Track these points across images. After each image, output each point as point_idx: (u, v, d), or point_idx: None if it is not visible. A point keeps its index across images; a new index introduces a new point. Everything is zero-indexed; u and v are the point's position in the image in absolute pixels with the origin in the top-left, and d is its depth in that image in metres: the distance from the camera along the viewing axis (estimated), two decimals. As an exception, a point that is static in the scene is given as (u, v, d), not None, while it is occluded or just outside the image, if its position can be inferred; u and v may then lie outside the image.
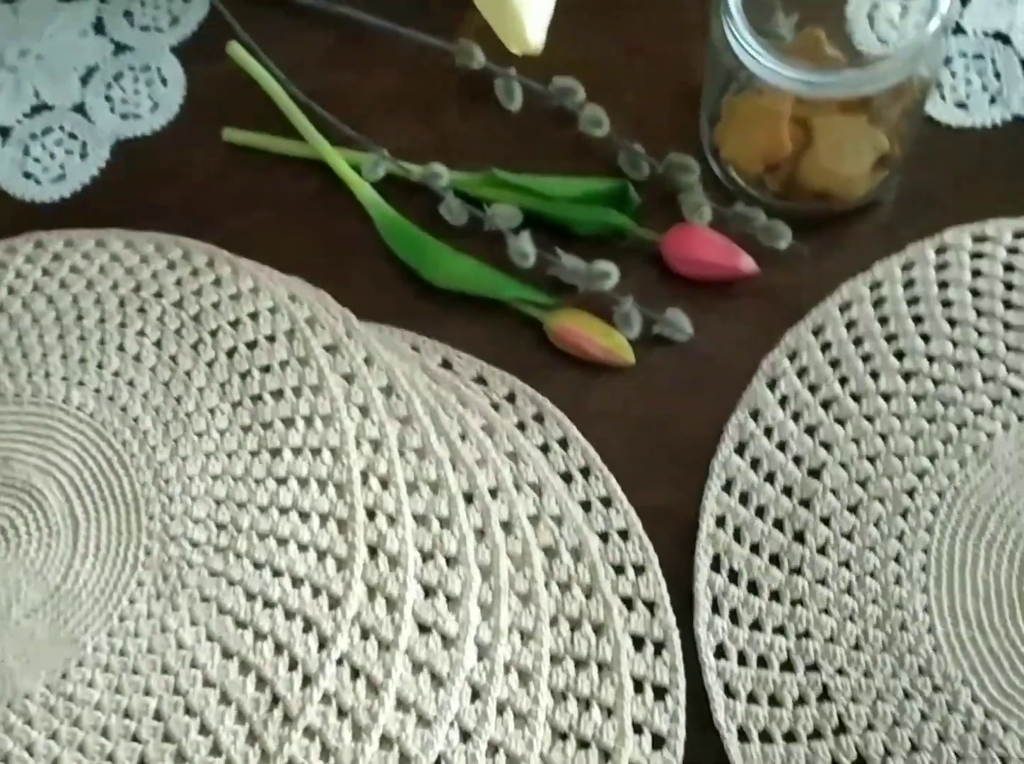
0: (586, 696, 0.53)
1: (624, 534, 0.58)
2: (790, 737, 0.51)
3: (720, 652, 0.54)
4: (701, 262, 0.62)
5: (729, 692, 0.52)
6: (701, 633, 0.54)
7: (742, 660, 0.54)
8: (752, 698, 0.52)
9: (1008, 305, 0.61)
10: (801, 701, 0.52)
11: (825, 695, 0.52)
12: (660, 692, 0.54)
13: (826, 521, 0.57)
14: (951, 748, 0.51)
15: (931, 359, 0.60)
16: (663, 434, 0.60)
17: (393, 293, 0.65)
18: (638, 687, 0.54)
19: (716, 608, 0.55)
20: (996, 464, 0.57)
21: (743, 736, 0.51)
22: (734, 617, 0.55)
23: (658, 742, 0.53)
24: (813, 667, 0.53)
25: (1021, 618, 0.54)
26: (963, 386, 0.59)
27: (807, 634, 0.54)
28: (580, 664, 0.54)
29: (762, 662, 0.54)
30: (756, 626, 0.55)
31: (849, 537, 0.57)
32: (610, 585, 0.56)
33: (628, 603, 0.56)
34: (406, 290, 0.65)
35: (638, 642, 0.55)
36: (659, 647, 0.55)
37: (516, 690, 0.52)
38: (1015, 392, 0.59)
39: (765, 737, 0.51)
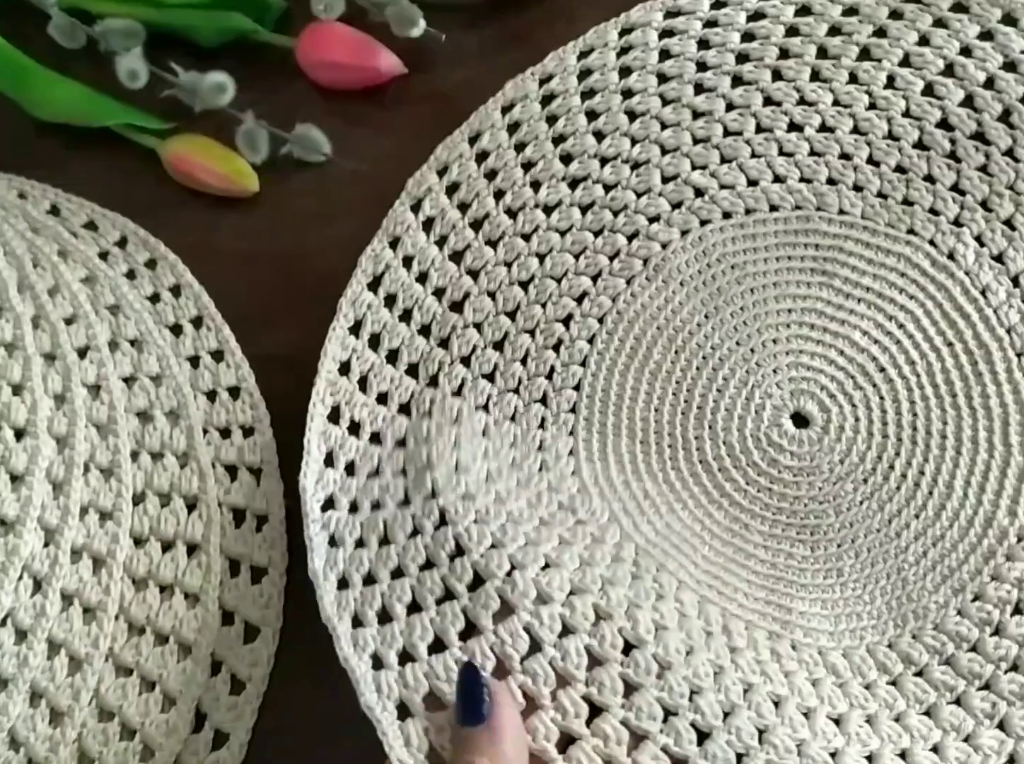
0: (169, 582, 0.45)
1: (234, 392, 0.49)
2: (398, 573, 0.41)
3: (329, 504, 0.44)
4: (336, 64, 0.52)
5: (334, 542, 0.43)
6: (308, 485, 0.44)
7: (354, 508, 0.44)
8: (361, 543, 0.43)
9: (700, 89, 0.50)
10: (415, 533, 0.42)
11: (443, 521, 0.41)
12: (259, 573, 0.45)
13: (465, 361, 0.47)
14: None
15: (604, 161, 0.50)
16: (292, 272, 0.50)
17: (5, 132, 0.55)
18: (234, 568, 0.46)
19: (330, 461, 0.45)
20: (669, 278, 0.47)
21: (343, 584, 0.41)
22: (350, 469, 0.45)
23: (252, 633, 0.44)
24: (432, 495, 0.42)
25: (683, 462, 0.45)
26: (639, 190, 0.49)
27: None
28: (167, 546, 0.45)
29: (377, 506, 0.44)
30: (377, 473, 0.45)
31: (491, 378, 0.47)
32: (210, 452, 0.47)
33: (232, 472, 0.47)
34: (20, 128, 0.55)
35: (239, 515, 0.46)
36: (261, 521, 0.46)
37: (87, 579, 0.44)
38: (699, 191, 0.49)
39: (369, 580, 0.41)
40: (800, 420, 0.45)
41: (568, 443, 0.46)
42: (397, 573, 0.40)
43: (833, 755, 0.37)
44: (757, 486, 0.44)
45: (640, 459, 0.45)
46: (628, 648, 0.37)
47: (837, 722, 0.38)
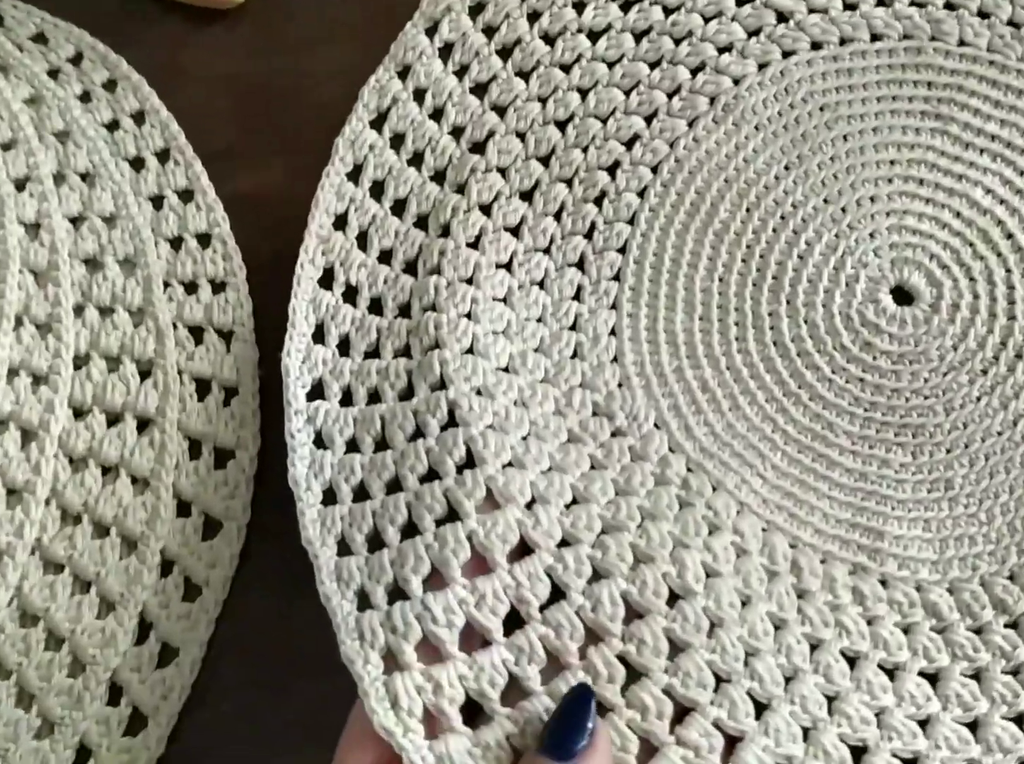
0: (114, 462, 0.36)
1: (204, 239, 0.40)
2: (395, 486, 0.33)
3: (318, 391, 0.36)
4: None
5: (321, 442, 0.35)
6: (291, 365, 0.36)
7: (347, 399, 0.36)
8: (353, 445, 0.35)
9: None
10: (418, 434, 0.34)
11: (452, 421, 0.34)
12: (223, 457, 0.37)
13: (486, 210, 0.38)
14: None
15: (664, -22, 0.40)
16: (280, 102, 0.42)
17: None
18: (194, 449, 0.37)
19: (320, 335, 0.37)
20: (742, 121, 0.38)
21: (330, 497, 0.34)
22: (344, 347, 0.37)
23: (212, 527, 0.36)
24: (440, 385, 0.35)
25: (754, 344, 0.36)
26: (706, 13, 0.40)
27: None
28: (113, 419, 0.37)
29: (376, 398, 0.36)
30: (377, 353, 0.37)
31: (516, 232, 0.38)
32: (172, 309, 0.39)
33: (197, 335, 0.39)
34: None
35: (203, 386, 0.38)
36: (230, 394, 0.38)
37: (13, 454, 0.36)
38: (782, 15, 0.39)
39: (361, 494, 0.34)
40: (903, 296, 0.36)
41: (609, 320, 0.37)
42: (394, 486, 0.33)
43: (924, 723, 0.30)
44: (846, 375, 0.35)
45: (699, 340, 0.36)
46: (673, 599, 0.30)
47: (933, 680, 0.31)
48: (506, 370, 0.36)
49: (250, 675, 0.35)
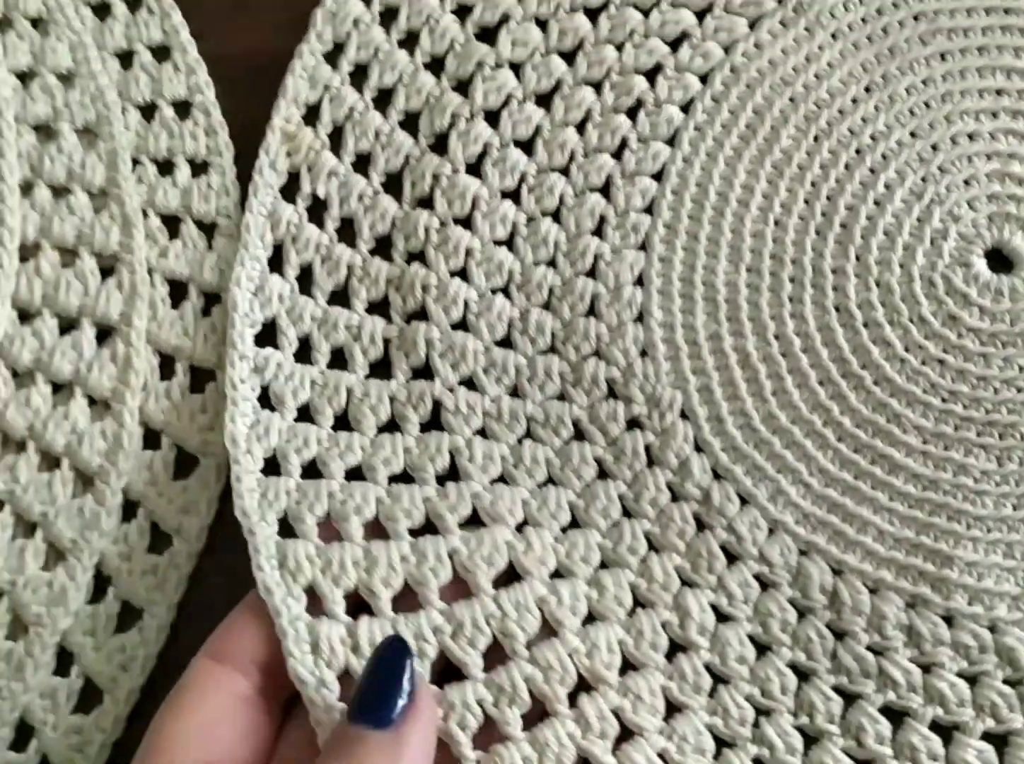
0: (66, 379, 0.30)
1: (182, 108, 0.33)
2: (357, 473, 0.29)
3: (271, 334, 0.30)
4: None
5: (269, 401, 0.29)
6: (239, 297, 0.30)
7: (304, 353, 0.30)
8: (306, 413, 0.29)
9: None
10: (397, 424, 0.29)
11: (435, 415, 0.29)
12: (202, 378, 0.31)
13: (492, 118, 0.31)
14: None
15: None
16: None
17: None
18: (166, 367, 0.31)
19: (278, 261, 0.30)
20: (816, 25, 0.31)
21: (273, 466, 0.28)
22: (306, 279, 0.30)
23: (187, 463, 0.30)
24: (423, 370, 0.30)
25: (811, 307, 0.29)
26: None
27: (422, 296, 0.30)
28: (67, 325, 0.31)
29: (340, 360, 0.29)
30: (343, 298, 0.30)
31: (528, 148, 0.31)
32: (141, 192, 0.32)
33: (172, 226, 0.32)
34: None
35: (179, 290, 0.32)
36: (211, 302, 0.31)
37: None
38: None
39: (311, 471, 0.29)
40: (1001, 260, 0.30)
41: (636, 263, 0.30)
42: (356, 473, 0.28)
43: None
44: (922, 355, 0.29)
45: (743, 298, 0.30)
46: (675, 649, 0.27)
47: (1000, 745, 0.26)
48: (503, 343, 0.29)
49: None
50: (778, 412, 0.29)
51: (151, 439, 0.30)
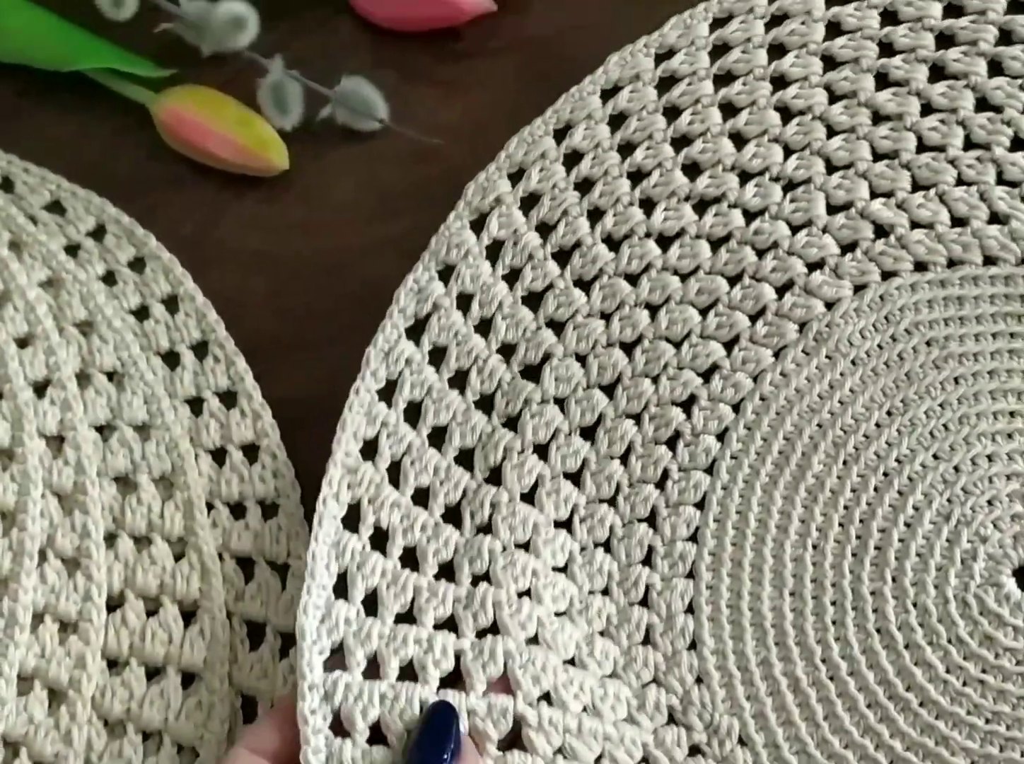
0: (157, 727, 0.31)
1: (250, 451, 0.35)
2: None
3: (338, 658, 0.31)
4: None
5: (340, 728, 0.30)
6: (307, 625, 0.31)
7: (373, 670, 0.31)
8: (378, 736, 0.30)
9: (884, 80, 0.36)
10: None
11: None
12: None
13: (542, 451, 0.33)
14: None
15: (745, 176, 0.35)
16: (328, 282, 0.38)
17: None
18: (248, 708, 0.33)
19: (343, 588, 0.32)
20: (836, 354, 0.33)
21: None
22: (372, 604, 0.32)
23: None
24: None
25: (853, 631, 0.31)
26: (794, 221, 0.35)
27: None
28: (153, 672, 0.32)
29: (411, 673, 0.30)
30: (412, 617, 0.32)
31: (576, 480, 0.33)
32: (216, 537, 0.34)
33: (247, 568, 0.34)
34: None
35: (256, 632, 0.33)
36: (287, 642, 0.33)
37: (39, 720, 0.32)
38: (881, 230, 0.35)
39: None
40: (1028, 580, 0.31)
41: (686, 593, 0.32)
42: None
43: None
44: (963, 676, 0.30)
45: (789, 623, 0.32)
46: None
47: None
48: (572, 662, 0.31)
49: None
50: (831, 737, 0.30)
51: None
